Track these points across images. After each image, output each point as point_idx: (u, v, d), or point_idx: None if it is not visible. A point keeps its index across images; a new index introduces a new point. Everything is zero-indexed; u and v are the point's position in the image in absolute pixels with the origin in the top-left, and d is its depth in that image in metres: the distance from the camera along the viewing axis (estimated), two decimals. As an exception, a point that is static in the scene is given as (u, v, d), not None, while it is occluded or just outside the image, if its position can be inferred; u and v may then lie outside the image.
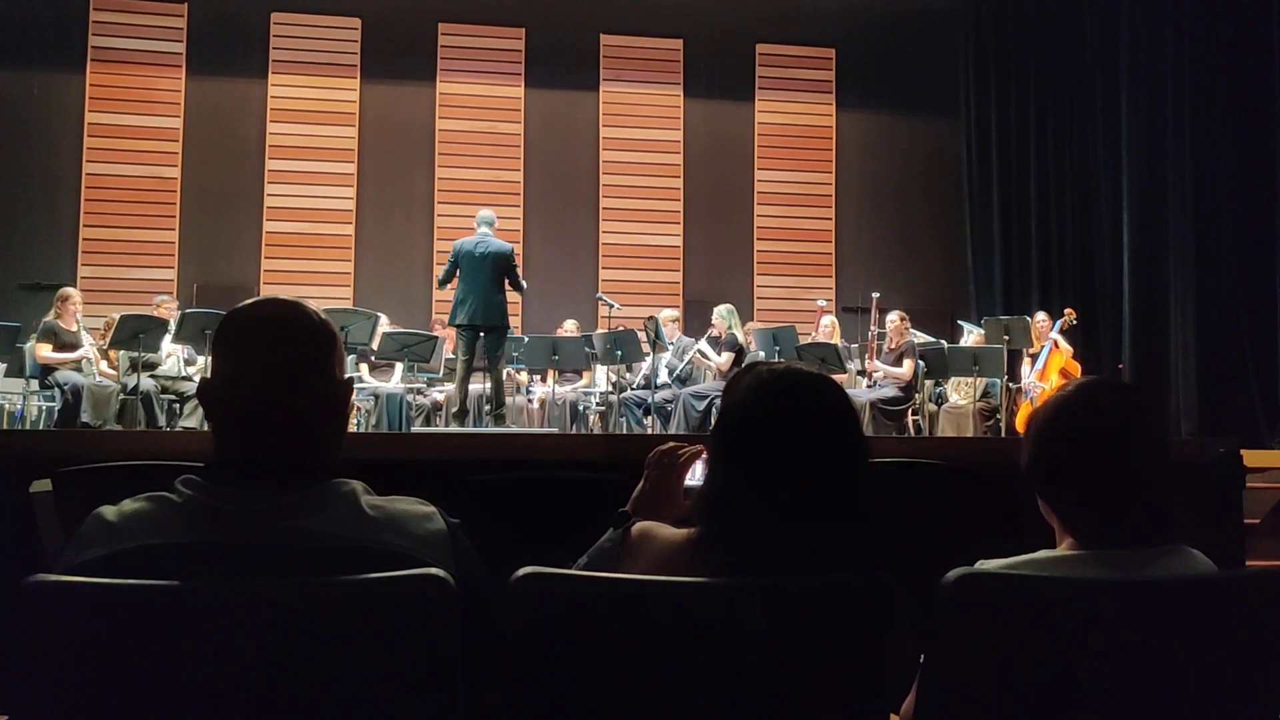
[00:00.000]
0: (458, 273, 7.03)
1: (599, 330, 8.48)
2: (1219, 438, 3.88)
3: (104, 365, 7.68)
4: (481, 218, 7.22)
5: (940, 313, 9.97)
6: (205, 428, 1.63)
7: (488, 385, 7.36)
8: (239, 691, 1.19)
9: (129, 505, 1.29)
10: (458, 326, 7.10)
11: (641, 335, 7.93)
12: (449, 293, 9.57)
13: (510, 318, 7.38)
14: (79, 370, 7.43)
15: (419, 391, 8.22)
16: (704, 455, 1.75)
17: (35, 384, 7.50)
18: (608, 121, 10.62)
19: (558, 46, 10.50)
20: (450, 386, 8.39)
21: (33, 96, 9.67)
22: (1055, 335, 8.14)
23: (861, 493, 1.41)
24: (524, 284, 7.32)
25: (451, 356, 8.49)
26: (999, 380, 7.94)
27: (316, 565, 1.23)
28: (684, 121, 10.74)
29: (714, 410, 7.55)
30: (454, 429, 7.16)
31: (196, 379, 7.44)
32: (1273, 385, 7.93)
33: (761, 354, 8.06)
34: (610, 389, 8.15)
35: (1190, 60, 8.71)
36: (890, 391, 7.83)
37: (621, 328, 8.01)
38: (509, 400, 8.15)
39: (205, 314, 7.23)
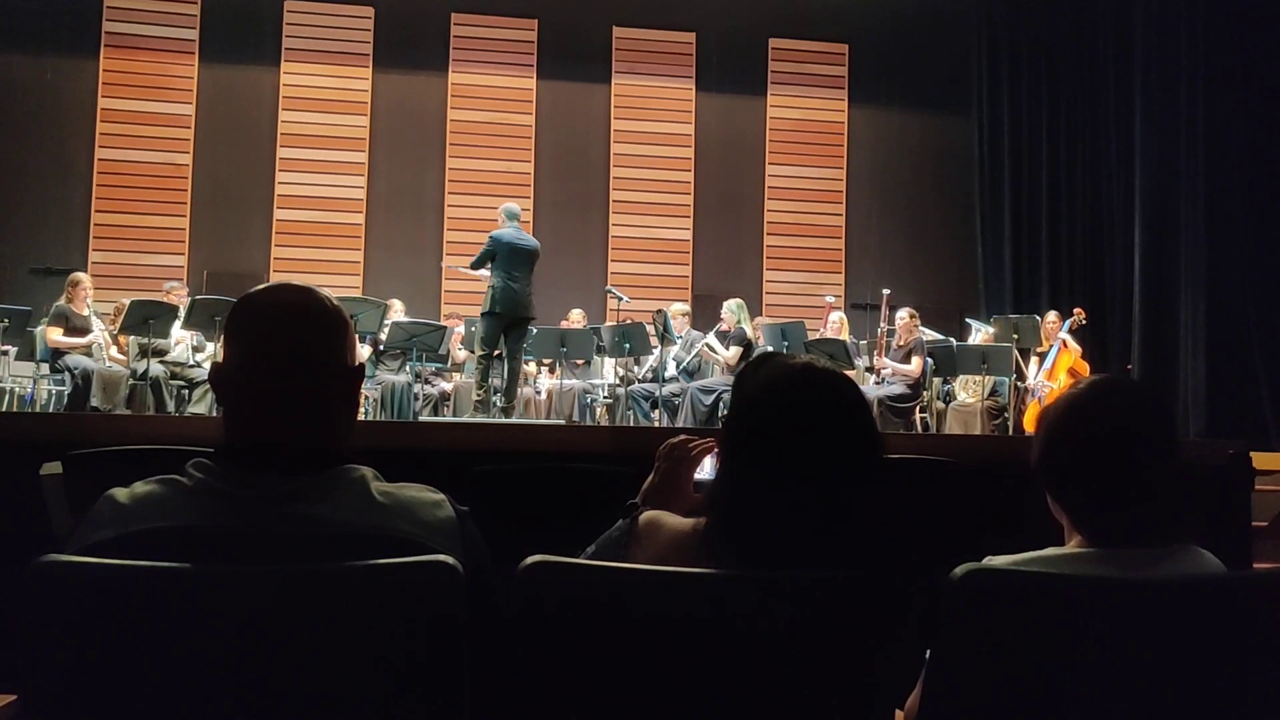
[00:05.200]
0: (489, 262, 7.06)
1: (607, 323, 8.48)
2: (1228, 439, 3.87)
3: (114, 350, 7.70)
4: (511, 211, 7.26)
5: (949, 310, 9.95)
6: (215, 413, 1.63)
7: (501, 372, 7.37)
8: (246, 675, 1.19)
9: (140, 488, 1.30)
10: (495, 315, 7.04)
11: (650, 329, 7.91)
12: (458, 282, 9.65)
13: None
14: (89, 355, 7.46)
15: (427, 380, 8.23)
16: (715, 449, 1.75)
17: (45, 368, 7.53)
18: (619, 114, 10.60)
19: (570, 38, 10.48)
20: (459, 376, 8.40)
21: (46, 81, 9.69)
22: (1064, 335, 8.12)
23: (872, 490, 1.41)
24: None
25: (459, 348, 8.50)
26: (1007, 379, 7.92)
27: (325, 550, 1.23)
28: (695, 115, 10.71)
29: (721, 404, 7.55)
30: (467, 419, 7.17)
31: (205, 365, 7.47)
32: (1283, 387, 7.91)
33: (769, 349, 8.05)
34: (618, 382, 8.15)
35: (1204, 59, 8.66)
36: (898, 389, 7.82)
37: (630, 321, 7.99)
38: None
39: (215, 301, 7.23)
